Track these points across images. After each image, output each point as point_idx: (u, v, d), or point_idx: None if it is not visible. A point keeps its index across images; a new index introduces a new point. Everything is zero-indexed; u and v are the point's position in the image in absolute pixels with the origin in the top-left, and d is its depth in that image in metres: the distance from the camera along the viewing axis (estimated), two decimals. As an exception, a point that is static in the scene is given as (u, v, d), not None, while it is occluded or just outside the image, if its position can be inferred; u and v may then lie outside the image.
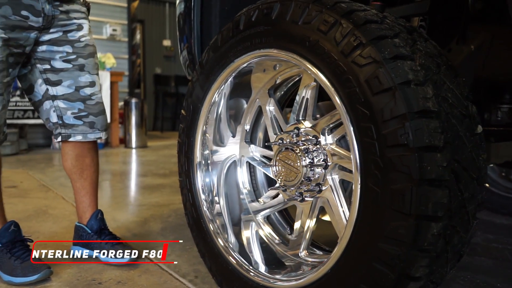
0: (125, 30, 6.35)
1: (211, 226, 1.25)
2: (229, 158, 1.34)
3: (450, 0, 1.26)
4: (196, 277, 1.45)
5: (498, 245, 1.85)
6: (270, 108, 1.20)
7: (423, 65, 0.84)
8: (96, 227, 1.61)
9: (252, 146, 1.31)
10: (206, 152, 1.31)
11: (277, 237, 1.26)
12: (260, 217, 1.29)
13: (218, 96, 1.23)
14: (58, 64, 1.47)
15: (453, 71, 0.92)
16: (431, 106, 0.80)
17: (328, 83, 0.90)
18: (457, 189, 0.82)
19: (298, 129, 1.10)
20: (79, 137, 1.54)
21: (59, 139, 1.55)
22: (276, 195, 1.23)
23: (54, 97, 1.49)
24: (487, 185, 2.36)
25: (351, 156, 0.87)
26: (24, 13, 1.36)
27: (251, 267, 1.15)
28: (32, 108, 5.17)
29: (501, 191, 2.35)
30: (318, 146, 1.06)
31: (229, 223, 1.27)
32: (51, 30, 1.44)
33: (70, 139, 1.54)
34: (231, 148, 1.34)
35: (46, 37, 1.44)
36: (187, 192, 1.33)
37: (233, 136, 1.32)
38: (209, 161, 1.32)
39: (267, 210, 1.27)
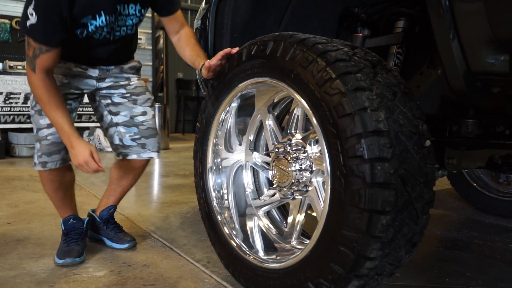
0: (149, 39, 6.72)
1: (219, 218, 1.51)
2: (237, 163, 1.60)
3: (420, 32, 1.49)
4: (208, 262, 1.72)
5: (479, 241, 2.04)
6: (269, 122, 1.45)
7: (379, 94, 1.08)
8: (105, 218, 1.95)
9: (255, 153, 1.56)
10: (218, 160, 1.57)
11: (274, 229, 1.51)
12: (261, 212, 1.54)
13: (225, 114, 1.50)
14: (117, 99, 1.85)
15: (408, 97, 1.15)
16: (382, 126, 1.04)
17: (307, 107, 1.15)
18: (404, 190, 1.05)
19: (290, 140, 1.36)
20: (134, 156, 1.87)
21: (120, 157, 1.89)
22: (274, 194, 1.48)
23: (116, 124, 1.86)
24: (474, 184, 2.56)
25: (324, 164, 1.12)
26: (83, 66, 1.75)
27: (249, 251, 1.40)
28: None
29: (492, 193, 2.52)
30: (305, 154, 1.31)
31: (235, 216, 1.53)
32: (107, 80, 1.82)
33: (128, 157, 1.88)
34: (239, 155, 1.60)
35: (104, 84, 1.82)
36: (201, 191, 1.60)
37: (240, 145, 1.58)
38: (220, 166, 1.59)
39: (267, 206, 1.52)
